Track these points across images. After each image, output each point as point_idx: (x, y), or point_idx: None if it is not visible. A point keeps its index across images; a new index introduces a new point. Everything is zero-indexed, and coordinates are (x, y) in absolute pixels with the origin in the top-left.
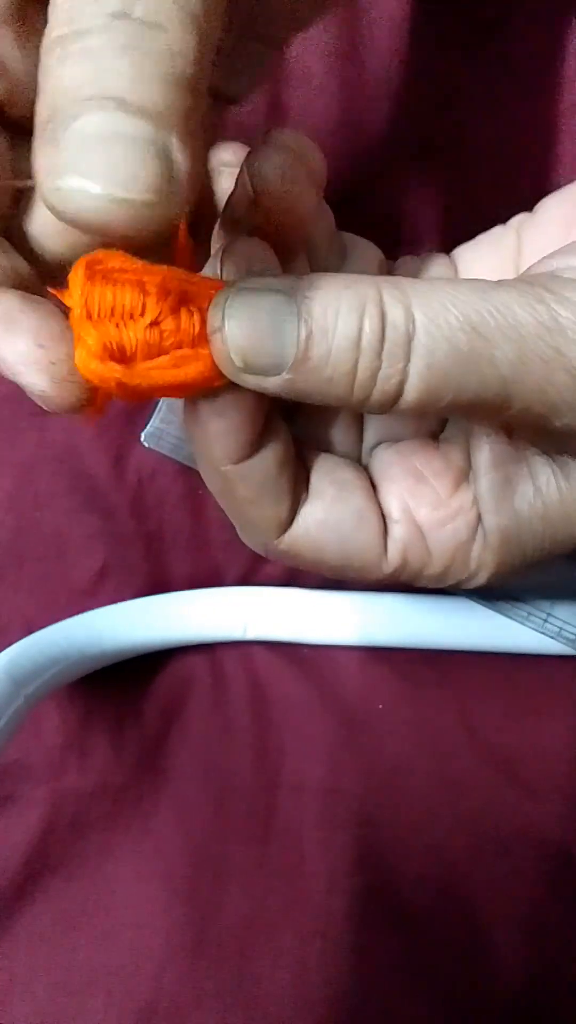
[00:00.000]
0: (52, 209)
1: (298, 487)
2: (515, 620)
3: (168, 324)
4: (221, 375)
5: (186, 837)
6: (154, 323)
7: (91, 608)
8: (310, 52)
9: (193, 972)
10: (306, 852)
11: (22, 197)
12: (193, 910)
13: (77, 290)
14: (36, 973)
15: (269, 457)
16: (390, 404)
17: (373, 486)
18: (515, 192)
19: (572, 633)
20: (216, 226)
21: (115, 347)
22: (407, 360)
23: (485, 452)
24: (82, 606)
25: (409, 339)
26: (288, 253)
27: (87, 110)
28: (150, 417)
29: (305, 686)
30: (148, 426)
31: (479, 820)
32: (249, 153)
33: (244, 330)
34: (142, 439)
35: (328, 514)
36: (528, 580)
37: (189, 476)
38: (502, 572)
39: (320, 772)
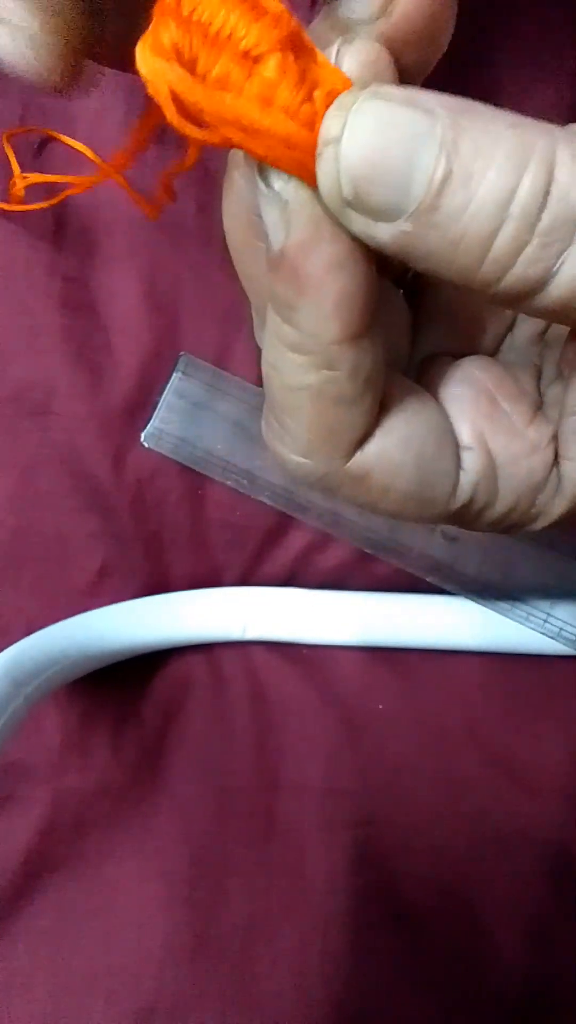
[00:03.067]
0: None
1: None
2: (515, 620)
3: (267, 69)
4: (308, 155)
5: (186, 837)
6: (248, 56)
7: (91, 608)
8: None
9: (194, 972)
10: (306, 852)
11: None
12: (193, 910)
13: None
14: (36, 973)
15: (378, 343)
16: (526, 294)
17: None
18: None
19: (572, 633)
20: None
21: (189, 58)
22: (570, 244)
23: (574, 391)
24: (82, 606)
25: None
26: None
27: None
28: (150, 417)
29: (305, 686)
30: (148, 426)
31: (479, 820)
32: None
33: (366, 151)
34: (142, 439)
35: (411, 429)
36: (528, 580)
37: (189, 476)
38: (562, 522)
39: (320, 772)
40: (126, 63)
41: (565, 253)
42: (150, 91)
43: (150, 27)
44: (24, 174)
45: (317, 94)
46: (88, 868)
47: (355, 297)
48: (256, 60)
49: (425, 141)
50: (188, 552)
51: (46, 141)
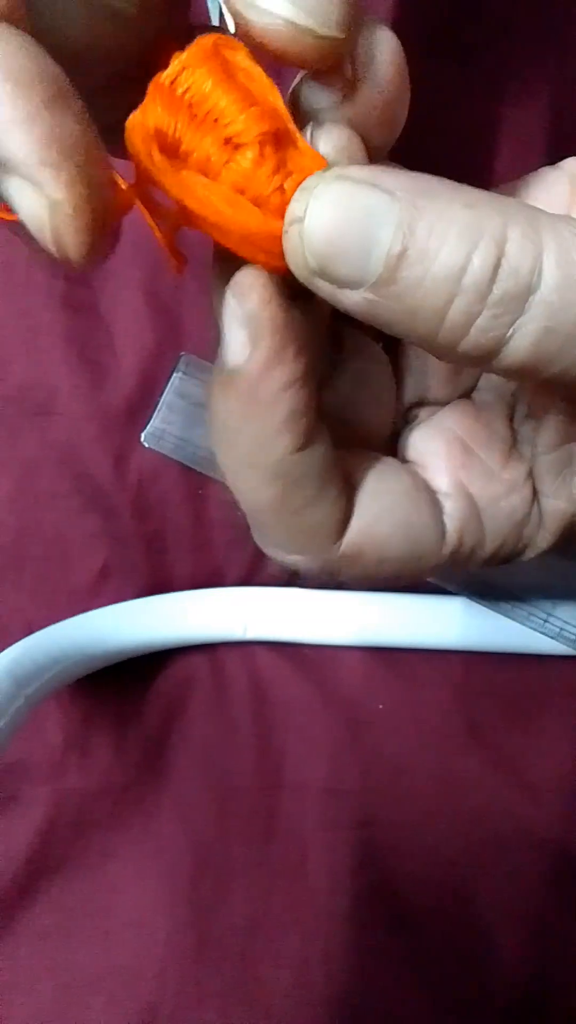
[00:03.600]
0: (238, 15)
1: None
2: (515, 620)
3: (245, 159)
4: (278, 254)
5: (188, 837)
6: (231, 143)
7: (92, 608)
8: None
9: (195, 972)
10: (307, 852)
11: None
12: (195, 910)
13: (186, 55)
14: (38, 973)
15: (327, 441)
16: (481, 359)
17: (415, 464)
18: None
19: (573, 633)
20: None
21: (172, 138)
22: (518, 315)
23: (550, 429)
24: (83, 606)
25: (530, 290)
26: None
27: None
28: (151, 417)
29: (306, 686)
30: (149, 426)
31: (480, 820)
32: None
33: (328, 230)
34: (143, 439)
35: (381, 501)
36: (529, 580)
37: (190, 476)
38: (549, 552)
39: (321, 772)
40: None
41: (517, 323)
42: (136, 161)
43: (142, 104)
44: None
45: (287, 184)
46: (90, 868)
47: (303, 413)
48: (237, 147)
49: (382, 221)
50: (189, 552)
51: None
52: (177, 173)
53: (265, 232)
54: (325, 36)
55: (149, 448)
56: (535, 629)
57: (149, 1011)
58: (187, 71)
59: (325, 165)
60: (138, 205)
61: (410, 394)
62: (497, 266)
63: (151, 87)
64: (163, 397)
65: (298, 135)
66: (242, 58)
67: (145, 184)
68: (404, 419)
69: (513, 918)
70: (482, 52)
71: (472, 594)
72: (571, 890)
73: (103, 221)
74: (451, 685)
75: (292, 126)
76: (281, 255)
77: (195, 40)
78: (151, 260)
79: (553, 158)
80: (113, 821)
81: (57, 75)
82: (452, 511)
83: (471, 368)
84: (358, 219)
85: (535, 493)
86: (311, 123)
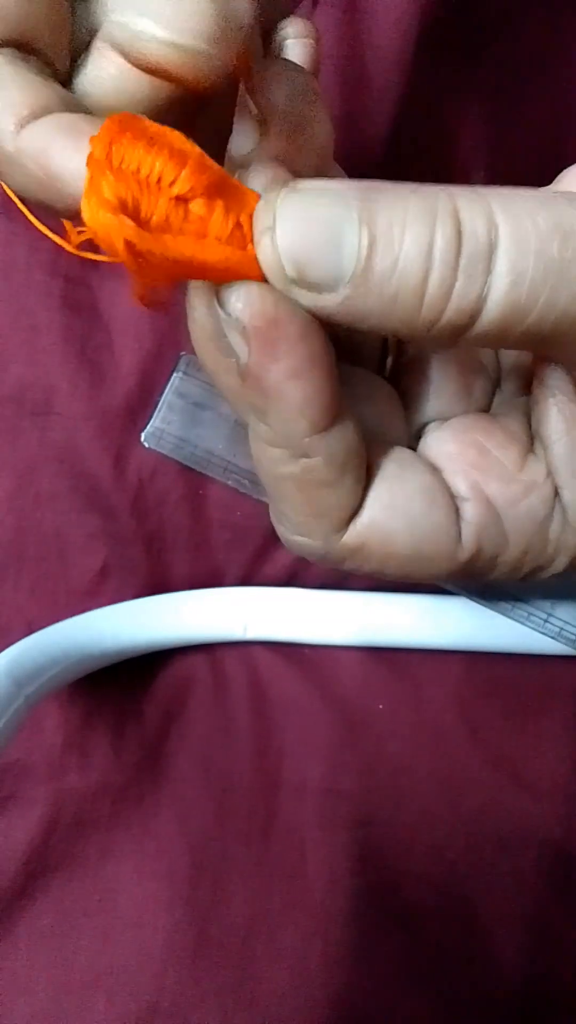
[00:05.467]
0: (118, 45)
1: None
2: (515, 620)
3: (198, 207)
4: (257, 270)
5: (187, 837)
6: (181, 199)
7: (92, 608)
8: None
9: (194, 972)
10: (307, 852)
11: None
12: (194, 910)
13: (106, 134)
14: (37, 973)
15: (350, 428)
16: (465, 326)
17: (435, 470)
18: None
19: (573, 633)
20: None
21: (131, 206)
22: (488, 273)
23: (554, 415)
24: (83, 606)
25: (491, 249)
26: None
27: None
28: (151, 417)
29: (305, 686)
30: (148, 426)
31: (479, 820)
32: (257, 71)
33: (298, 233)
34: (142, 439)
35: (394, 495)
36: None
37: (190, 476)
38: None
39: (321, 772)
40: None
41: (488, 278)
42: (100, 244)
43: (88, 181)
44: (78, 228)
45: (243, 219)
46: (89, 868)
47: (316, 398)
48: (187, 201)
49: (345, 218)
50: (189, 552)
51: None
52: (149, 234)
53: (240, 260)
54: (193, 50)
55: (149, 448)
56: (535, 629)
57: (148, 1010)
58: (116, 145)
59: (259, 198)
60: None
61: (420, 417)
62: (459, 234)
63: (89, 165)
64: (163, 397)
65: (231, 178)
66: (150, 123)
67: (127, 249)
68: (419, 436)
69: (512, 918)
70: (484, 51)
71: (472, 594)
72: (570, 890)
73: None
74: (451, 685)
75: (223, 171)
76: (261, 275)
77: (107, 119)
78: None
79: (553, 157)
80: (112, 821)
81: None
82: (470, 516)
83: (453, 345)
84: (323, 221)
85: (556, 491)
86: (238, 170)
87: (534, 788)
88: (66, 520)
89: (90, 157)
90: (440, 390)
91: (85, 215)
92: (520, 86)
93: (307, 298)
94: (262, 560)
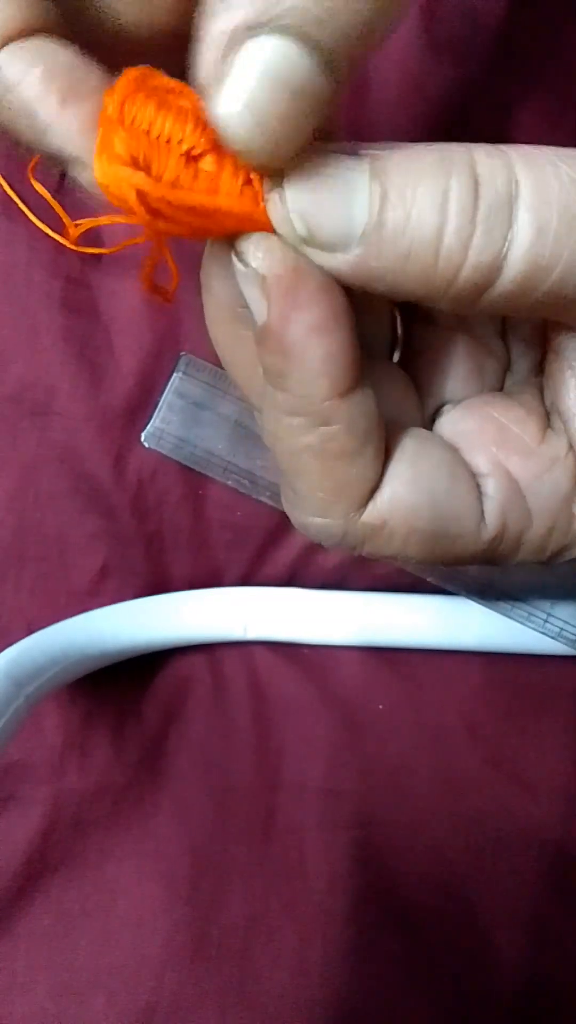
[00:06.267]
0: (209, 102)
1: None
2: (515, 620)
3: (208, 164)
4: (270, 227)
5: (187, 837)
6: (191, 157)
7: (92, 608)
8: None
9: (194, 972)
10: (306, 852)
11: None
12: (194, 910)
13: (120, 92)
14: (37, 973)
15: (371, 395)
16: (484, 283)
17: (454, 449)
18: None
19: (573, 633)
20: None
21: (143, 164)
22: (510, 225)
23: (573, 386)
24: (83, 606)
25: (511, 199)
26: None
27: (258, 38)
28: (151, 417)
29: (305, 686)
30: (149, 426)
31: (479, 820)
32: None
33: (309, 190)
34: (143, 439)
35: (416, 470)
36: (528, 580)
37: (190, 476)
38: None
39: (320, 772)
40: None
41: (510, 232)
42: (111, 198)
43: (99, 138)
44: (76, 221)
45: (253, 175)
46: (88, 868)
47: (339, 356)
48: (196, 159)
49: (356, 172)
50: (189, 552)
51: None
52: (163, 187)
53: (253, 214)
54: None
55: (149, 448)
56: (535, 629)
57: (147, 1011)
58: (128, 102)
59: None
60: (152, 239)
61: (434, 400)
62: (476, 185)
63: (101, 123)
64: (163, 397)
65: None
66: (166, 80)
67: (141, 201)
68: (434, 420)
69: (512, 918)
70: (484, 52)
71: (472, 594)
72: (570, 890)
73: None
74: (450, 685)
75: None
76: (272, 230)
77: (122, 74)
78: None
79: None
80: (112, 821)
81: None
82: (493, 492)
83: (471, 309)
84: (333, 176)
85: None
86: None
87: (534, 788)
88: (66, 520)
89: (103, 115)
90: (452, 372)
91: (97, 172)
92: (521, 87)
93: (320, 257)
94: (262, 560)
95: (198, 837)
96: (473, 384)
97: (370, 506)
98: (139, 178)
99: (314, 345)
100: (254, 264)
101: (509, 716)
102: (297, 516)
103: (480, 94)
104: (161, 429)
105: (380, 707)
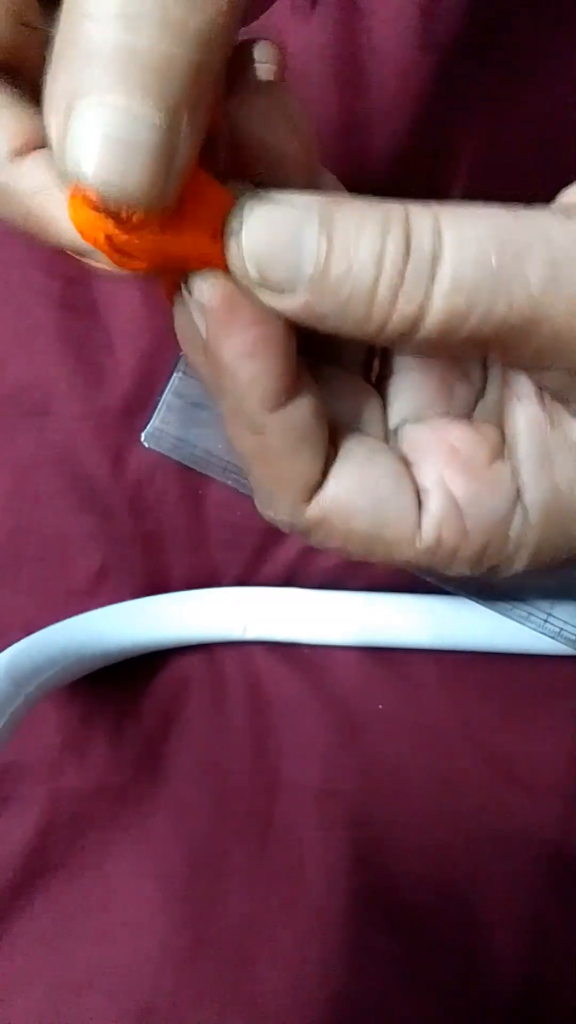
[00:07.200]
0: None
1: (329, 447)
2: (515, 620)
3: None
4: (218, 260)
5: (185, 837)
6: None
7: (90, 608)
8: (311, 53)
9: (192, 972)
10: (305, 852)
11: None
12: (192, 910)
13: None
14: (35, 973)
15: (305, 404)
16: (410, 328)
17: (404, 462)
18: (521, 194)
19: (572, 633)
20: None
21: (113, 207)
22: (431, 278)
23: (519, 417)
24: (81, 606)
25: (435, 257)
26: None
27: (92, 100)
28: (151, 417)
29: (304, 686)
30: (148, 426)
31: (478, 820)
32: (229, 94)
33: (262, 236)
34: (142, 439)
35: (361, 474)
36: (528, 580)
37: (188, 476)
38: (542, 555)
39: (319, 772)
40: None
41: (432, 286)
42: (86, 239)
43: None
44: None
45: (214, 218)
46: (86, 868)
47: (265, 378)
48: None
49: (306, 224)
50: (187, 552)
51: None
52: (130, 232)
53: (211, 251)
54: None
55: (148, 448)
56: (534, 629)
57: (145, 1011)
58: None
59: (232, 201)
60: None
61: (398, 415)
62: (408, 242)
63: None
64: (163, 397)
65: (210, 178)
66: None
67: (108, 243)
68: (395, 434)
69: (510, 918)
70: (484, 52)
71: (471, 594)
72: (568, 889)
73: None
74: (449, 685)
75: (201, 171)
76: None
77: None
78: None
79: (550, 158)
80: (110, 821)
81: None
82: (433, 507)
83: (402, 350)
84: (286, 228)
85: (519, 492)
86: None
87: (532, 788)
88: (64, 520)
89: None
90: (419, 392)
91: (70, 214)
92: (520, 86)
93: (270, 298)
94: (261, 560)
95: (196, 837)
96: (440, 406)
97: (313, 501)
98: (107, 224)
99: (242, 367)
100: (196, 296)
101: (508, 716)
102: (257, 505)
103: (480, 94)
104: (161, 429)
105: (379, 707)
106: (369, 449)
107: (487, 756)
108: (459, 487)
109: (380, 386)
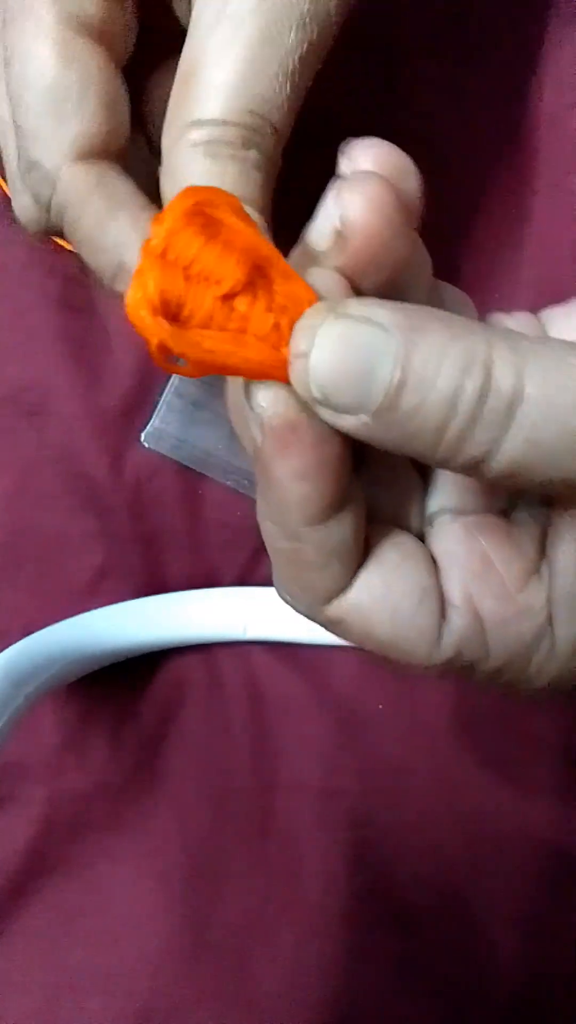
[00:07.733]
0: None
1: (361, 553)
2: None
3: (242, 304)
4: (285, 375)
5: (184, 837)
6: (227, 296)
7: (90, 608)
8: None
9: (191, 972)
10: (304, 853)
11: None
12: (191, 910)
13: (169, 220)
14: (34, 973)
15: (347, 521)
16: (472, 467)
17: (434, 564)
18: (500, 200)
19: None
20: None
21: (175, 304)
22: (504, 430)
23: (566, 549)
24: (81, 606)
25: (512, 408)
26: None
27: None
28: (151, 417)
29: (303, 686)
30: (148, 426)
31: (476, 820)
32: (336, 180)
33: (332, 365)
34: (142, 439)
35: (386, 586)
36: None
37: (188, 476)
38: (563, 682)
39: (318, 773)
40: None
41: (505, 436)
42: (136, 330)
43: (136, 272)
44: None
45: (283, 321)
46: (85, 868)
47: (314, 500)
48: (231, 296)
49: (382, 354)
50: (187, 552)
51: None
52: (186, 334)
53: (272, 362)
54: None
55: (147, 448)
56: None
57: (144, 1011)
58: (174, 236)
59: (315, 297)
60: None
61: (437, 503)
62: (486, 388)
63: (143, 255)
64: (163, 397)
65: (289, 268)
66: (224, 214)
67: (159, 349)
68: (431, 523)
69: (509, 918)
70: (481, 54)
71: None
72: (567, 889)
73: None
74: (447, 686)
75: (283, 262)
76: (286, 377)
77: (175, 198)
78: None
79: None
80: (109, 821)
81: None
82: (455, 624)
83: (462, 473)
84: (359, 354)
85: (551, 620)
86: (303, 255)
87: (530, 788)
88: (63, 520)
89: (145, 245)
90: (463, 483)
91: (128, 307)
92: (518, 87)
93: (328, 415)
94: (260, 560)
95: (195, 837)
96: (482, 499)
97: (334, 602)
98: (164, 329)
99: (293, 487)
100: (256, 409)
101: (506, 716)
102: (275, 584)
103: (478, 92)
104: (161, 429)
105: (379, 707)
106: (401, 555)
107: (485, 756)
108: (487, 608)
109: (424, 469)
